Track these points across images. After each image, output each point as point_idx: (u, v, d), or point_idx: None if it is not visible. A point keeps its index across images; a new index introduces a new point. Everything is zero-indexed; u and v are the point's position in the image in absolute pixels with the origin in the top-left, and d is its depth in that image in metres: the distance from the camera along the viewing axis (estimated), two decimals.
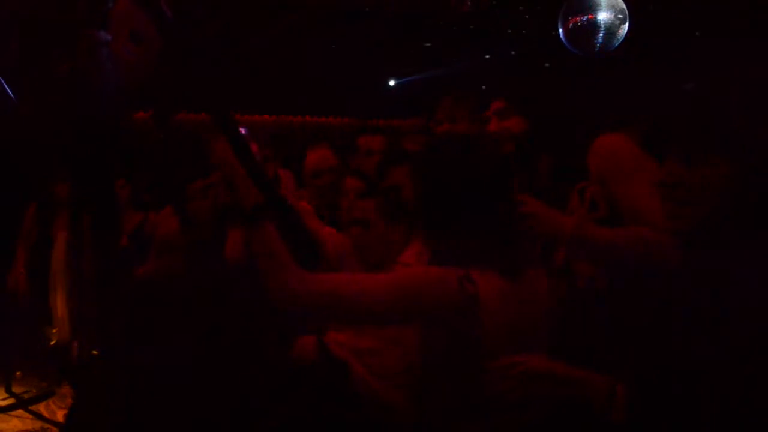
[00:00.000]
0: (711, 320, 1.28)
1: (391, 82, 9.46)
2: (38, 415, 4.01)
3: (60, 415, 3.86)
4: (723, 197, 1.33)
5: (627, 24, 4.96)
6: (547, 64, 7.34)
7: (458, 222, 1.56)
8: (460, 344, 1.49)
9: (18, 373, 4.48)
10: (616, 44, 5.14)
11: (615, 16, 5.03)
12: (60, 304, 4.38)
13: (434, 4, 6.37)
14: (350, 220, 2.39)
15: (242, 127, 1.74)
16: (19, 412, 4.06)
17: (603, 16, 5.00)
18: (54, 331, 4.36)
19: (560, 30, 5.05)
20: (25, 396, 4.27)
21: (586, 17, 5.06)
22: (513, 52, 7.33)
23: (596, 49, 5.10)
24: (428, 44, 7.82)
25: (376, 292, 1.51)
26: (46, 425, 3.88)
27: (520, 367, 1.46)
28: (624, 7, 4.94)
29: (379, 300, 1.50)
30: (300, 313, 1.82)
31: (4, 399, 4.17)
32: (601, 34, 5.07)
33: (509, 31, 7.21)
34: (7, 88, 2.93)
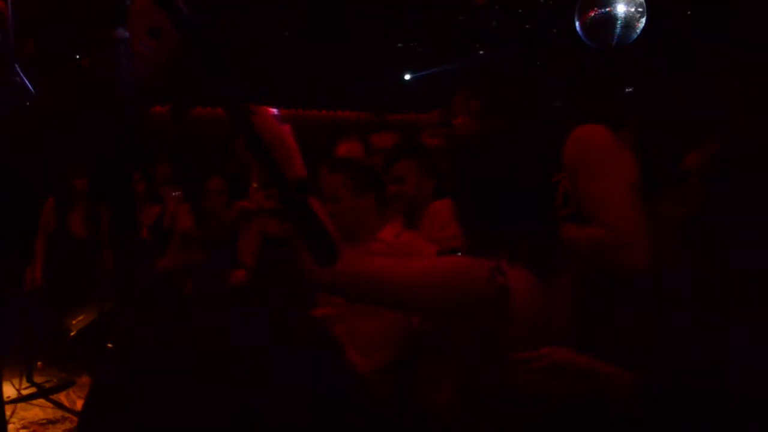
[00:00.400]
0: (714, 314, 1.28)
1: (407, 76, 9.44)
2: (59, 404, 4.08)
3: (80, 405, 3.92)
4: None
5: (645, 17, 4.92)
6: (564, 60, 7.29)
7: (496, 215, 1.56)
8: (485, 336, 1.49)
9: (39, 363, 4.55)
10: (634, 37, 5.10)
11: (635, 9, 4.99)
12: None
13: None
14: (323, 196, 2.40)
15: (274, 108, 1.72)
16: (40, 401, 4.13)
17: (621, 9, 4.96)
18: (74, 322, 4.43)
19: (577, 23, 5.02)
20: (46, 385, 4.34)
21: (603, 10, 5.03)
22: (529, 47, 7.28)
23: (613, 43, 5.06)
24: (446, 37, 7.79)
25: (409, 279, 1.51)
26: (66, 414, 3.95)
27: (544, 359, 1.45)
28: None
29: (411, 287, 1.51)
30: (334, 293, 1.84)
31: (25, 388, 4.24)
32: (618, 28, 5.03)
33: (527, 26, 7.16)
34: (27, 82, 2.97)
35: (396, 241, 2.34)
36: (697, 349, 1.37)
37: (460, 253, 1.69)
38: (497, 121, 2.07)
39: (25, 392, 4.19)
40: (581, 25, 5.05)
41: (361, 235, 2.32)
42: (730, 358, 1.30)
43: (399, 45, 8.13)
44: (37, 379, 4.40)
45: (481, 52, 7.86)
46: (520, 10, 6.93)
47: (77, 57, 5.25)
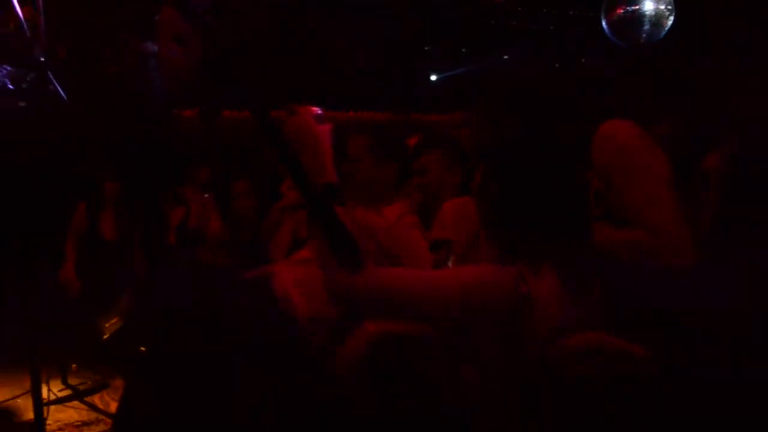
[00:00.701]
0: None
1: (433, 77, 9.42)
2: (93, 407, 4.13)
3: (113, 407, 3.97)
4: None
5: (674, 15, 4.86)
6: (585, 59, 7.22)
7: (526, 216, 1.54)
8: (508, 344, 1.47)
9: (74, 365, 4.61)
10: (663, 35, 5.03)
11: (664, 6, 4.93)
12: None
13: None
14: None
15: (317, 108, 1.72)
16: (75, 403, 4.19)
17: (649, 6, 4.90)
18: (107, 325, 4.49)
19: (603, 21, 4.97)
20: (81, 388, 4.40)
21: (631, 8, 4.97)
22: (554, 47, 7.23)
23: (642, 41, 5.00)
24: (471, 38, 7.77)
25: (431, 290, 1.50)
26: (101, 416, 4.00)
27: (578, 343, 1.43)
28: None
29: (434, 297, 1.49)
30: (353, 306, 1.77)
31: (60, 390, 4.30)
32: (647, 26, 4.97)
33: (551, 27, 7.11)
34: (59, 88, 3.02)
35: (395, 223, 2.29)
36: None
37: (445, 244, 1.66)
38: (514, 126, 2.03)
39: (60, 394, 4.25)
40: (608, 24, 5.00)
41: (370, 202, 2.27)
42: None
43: (426, 48, 8.12)
44: (72, 382, 4.46)
45: (506, 57, 7.81)
46: (544, 10, 6.88)
47: (106, 64, 5.34)
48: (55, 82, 2.99)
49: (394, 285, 1.52)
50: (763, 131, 1.61)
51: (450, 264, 2.18)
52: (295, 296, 2.06)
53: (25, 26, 2.92)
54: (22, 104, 2.71)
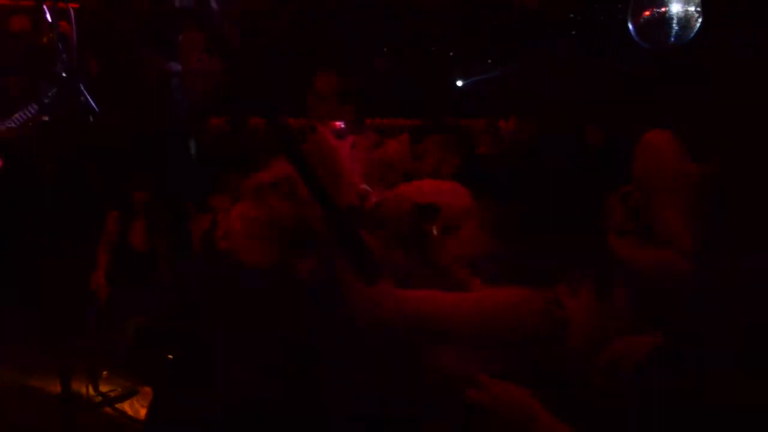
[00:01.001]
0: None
1: (459, 82, 9.41)
2: (123, 413, 4.19)
3: (143, 413, 4.02)
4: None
5: (702, 17, 4.79)
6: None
7: (555, 236, 1.52)
8: (545, 364, 1.46)
9: (104, 372, 4.67)
10: (691, 37, 4.96)
11: (693, 8, 4.86)
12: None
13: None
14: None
15: (339, 122, 1.72)
16: (106, 409, 4.25)
17: (677, 8, 4.84)
18: (136, 332, 4.54)
19: (630, 24, 4.92)
20: (111, 394, 4.46)
21: (658, 10, 4.91)
22: (581, 52, 7.16)
23: (670, 43, 4.94)
24: (497, 43, 7.74)
25: (461, 314, 1.48)
26: (131, 422, 4.05)
27: (606, 353, 1.41)
28: None
29: (464, 321, 1.47)
30: (381, 329, 1.71)
31: (91, 397, 4.37)
32: (675, 27, 4.90)
33: (574, 32, 7.06)
34: (90, 100, 3.08)
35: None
36: None
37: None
38: (529, 142, 2.02)
39: (91, 401, 4.31)
40: (634, 26, 4.95)
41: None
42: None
43: (451, 53, 8.12)
44: (103, 388, 4.52)
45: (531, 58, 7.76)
46: (571, 15, 6.84)
47: (136, 76, 5.43)
48: (86, 94, 3.05)
49: (428, 309, 1.50)
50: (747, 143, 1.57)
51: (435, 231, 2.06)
52: None
53: (59, 39, 2.98)
54: (45, 118, 2.76)
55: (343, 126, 1.64)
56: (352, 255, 1.45)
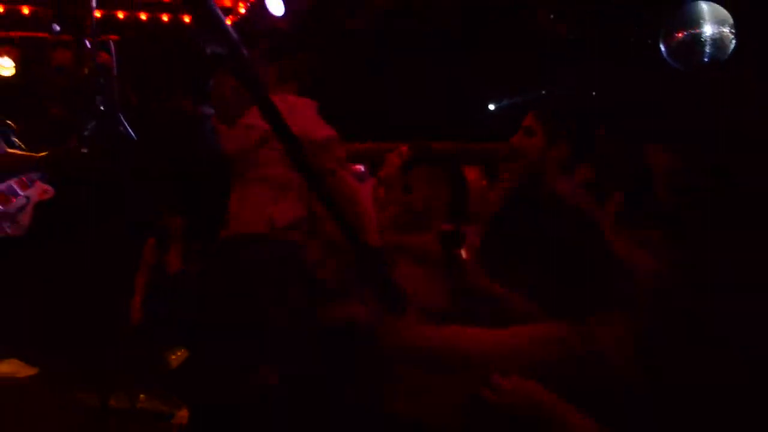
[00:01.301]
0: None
1: (492, 106, 9.42)
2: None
3: None
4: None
5: (735, 38, 4.75)
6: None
7: (581, 271, 1.51)
8: (576, 397, 1.42)
9: (142, 396, 4.74)
10: (726, 57, 4.92)
11: (728, 29, 4.81)
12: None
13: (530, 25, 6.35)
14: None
15: (360, 166, 1.75)
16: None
17: (709, 30, 4.81)
18: (173, 357, 4.61)
19: (662, 46, 4.90)
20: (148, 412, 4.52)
21: (691, 31, 4.88)
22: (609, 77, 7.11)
23: (704, 64, 4.90)
24: (530, 67, 7.74)
25: (492, 350, 1.47)
26: None
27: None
28: (730, 18, 4.73)
29: (494, 358, 1.45)
30: (410, 362, 1.73)
31: (129, 420, 4.43)
32: (709, 49, 4.86)
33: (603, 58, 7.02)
34: (129, 131, 3.17)
35: None
36: None
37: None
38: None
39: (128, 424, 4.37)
40: (667, 48, 4.93)
41: (429, 222, 2.24)
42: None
43: (482, 77, 8.15)
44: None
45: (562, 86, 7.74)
46: (601, 39, 6.81)
47: (167, 117, 5.59)
48: (125, 124, 3.14)
49: (460, 344, 1.49)
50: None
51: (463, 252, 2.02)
52: None
53: (100, 71, 3.07)
54: (84, 150, 2.83)
55: (363, 170, 1.67)
56: (380, 290, 1.47)
